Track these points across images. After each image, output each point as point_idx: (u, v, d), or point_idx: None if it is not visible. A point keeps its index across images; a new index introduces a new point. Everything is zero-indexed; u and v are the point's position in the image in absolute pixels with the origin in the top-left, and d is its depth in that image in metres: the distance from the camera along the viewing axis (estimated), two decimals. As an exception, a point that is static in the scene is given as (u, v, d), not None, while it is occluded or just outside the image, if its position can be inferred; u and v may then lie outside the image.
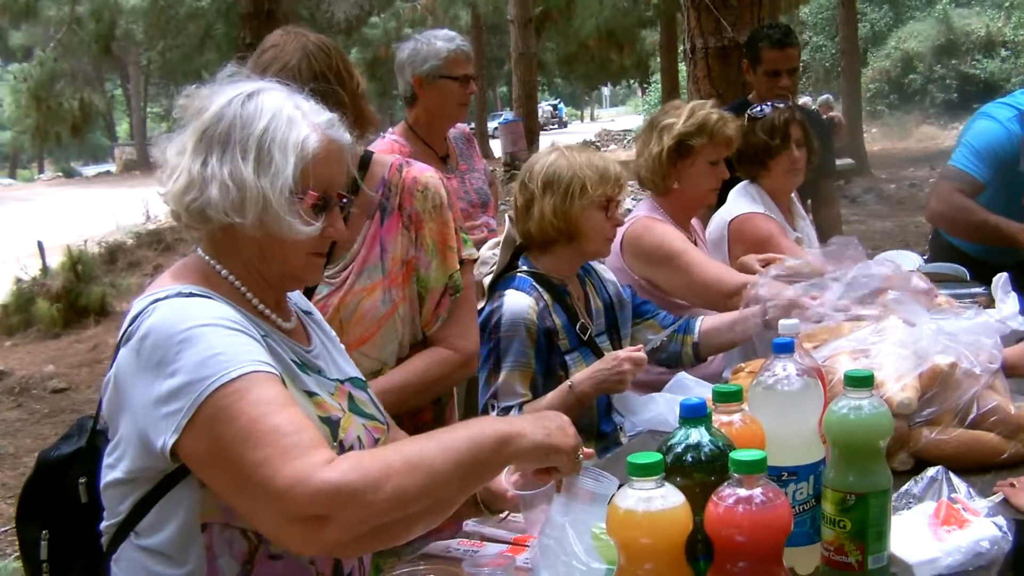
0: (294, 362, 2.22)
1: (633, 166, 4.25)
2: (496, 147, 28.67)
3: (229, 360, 1.93)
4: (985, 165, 4.84)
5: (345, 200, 2.28)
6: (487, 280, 3.55)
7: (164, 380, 1.93)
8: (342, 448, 2.18)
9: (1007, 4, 39.46)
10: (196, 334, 1.96)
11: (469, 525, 2.58)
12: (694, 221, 4.46)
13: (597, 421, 3.55)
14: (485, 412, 3.43)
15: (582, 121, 77.02)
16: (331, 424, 2.19)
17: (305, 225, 2.13)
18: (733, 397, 2.05)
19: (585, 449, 2.23)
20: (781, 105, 4.67)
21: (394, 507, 1.82)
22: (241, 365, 1.93)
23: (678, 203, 4.22)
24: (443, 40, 4.67)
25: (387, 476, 1.81)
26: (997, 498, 2.37)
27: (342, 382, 2.38)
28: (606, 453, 3.44)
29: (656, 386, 3.66)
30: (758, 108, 4.63)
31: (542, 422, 2.10)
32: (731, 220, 4.55)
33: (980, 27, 39.91)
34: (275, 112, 2.14)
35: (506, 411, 3.38)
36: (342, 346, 2.55)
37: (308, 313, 2.50)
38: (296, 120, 2.15)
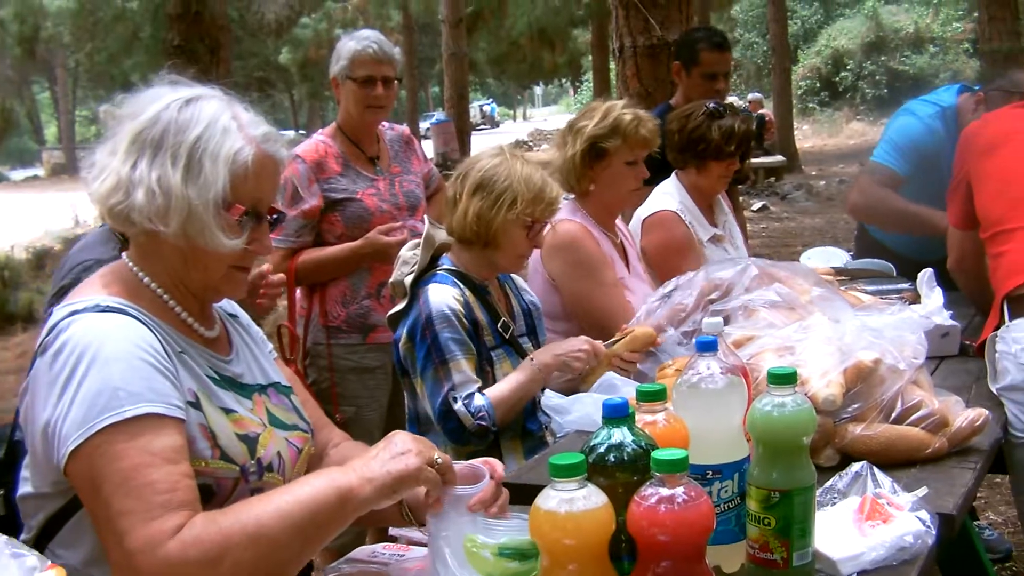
0: (211, 378, 2.19)
1: (551, 169, 4.11)
2: (428, 147, 28.61)
3: (127, 397, 1.92)
4: (905, 159, 4.89)
5: (276, 216, 2.25)
6: (408, 280, 3.51)
7: (65, 400, 1.93)
8: (260, 465, 2.15)
9: (935, 1, 40.12)
10: (103, 359, 1.94)
11: (395, 530, 2.55)
12: (619, 221, 4.44)
13: (523, 420, 3.52)
14: (447, 408, 3.34)
15: (515, 121, 77.10)
16: (249, 441, 2.16)
17: (229, 238, 2.11)
18: (657, 396, 2.05)
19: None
20: (748, 112, 4.68)
21: None
22: (137, 406, 1.92)
23: (598, 204, 4.19)
24: (356, 40, 4.56)
25: (225, 551, 1.84)
26: (921, 492, 2.39)
27: (264, 388, 2.34)
28: (532, 453, 3.43)
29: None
30: (713, 104, 4.62)
31: (379, 456, 2.06)
32: (644, 217, 4.56)
33: (909, 24, 40.67)
34: (210, 121, 2.10)
35: (470, 398, 3.34)
36: (269, 347, 2.52)
37: (234, 316, 2.47)
38: (231, 130, 2.11)
